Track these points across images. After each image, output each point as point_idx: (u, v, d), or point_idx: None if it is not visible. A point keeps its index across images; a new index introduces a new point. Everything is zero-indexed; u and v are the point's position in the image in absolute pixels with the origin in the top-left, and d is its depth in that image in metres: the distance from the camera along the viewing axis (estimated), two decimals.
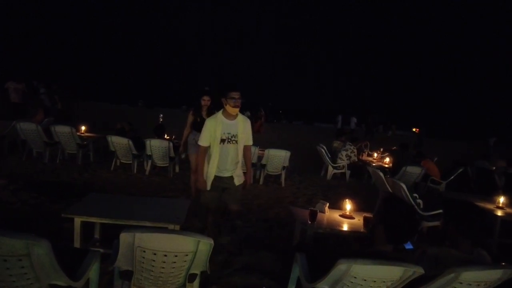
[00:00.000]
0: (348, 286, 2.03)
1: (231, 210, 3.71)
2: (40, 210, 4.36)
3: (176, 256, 2.05)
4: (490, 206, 4.61)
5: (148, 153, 6.68)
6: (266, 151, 6.99)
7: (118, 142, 6.68)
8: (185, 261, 2.11)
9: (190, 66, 46.07)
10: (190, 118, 5.03)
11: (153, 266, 2.07)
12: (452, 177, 7.38)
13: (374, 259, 1.94)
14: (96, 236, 3.47)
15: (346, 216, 3.57)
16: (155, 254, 2.02)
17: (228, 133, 3.37)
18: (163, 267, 2.08)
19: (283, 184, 7.08)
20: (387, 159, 8.36)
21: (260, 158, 7.07)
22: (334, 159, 8.33)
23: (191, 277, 2.25)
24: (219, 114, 3.41)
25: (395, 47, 44.51)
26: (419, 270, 1.95)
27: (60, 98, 13.28)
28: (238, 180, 3.57)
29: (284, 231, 4.43)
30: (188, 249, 2.06)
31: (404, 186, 4.51)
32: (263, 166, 7.06)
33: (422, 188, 7.17)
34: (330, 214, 3.62)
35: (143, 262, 2.06)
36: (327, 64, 48.24)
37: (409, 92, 42.70)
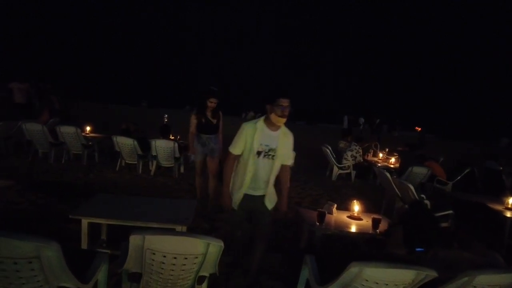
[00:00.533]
0: None
1: (256, 247, 3.04)
2: (47, 210, 4.36)
3: (186, 258, 2.03)
4: (499, 207, 4.48)
5: (154, 153, 6.67)
6: None
7: (123, 143, 6.68)
8: (195, 263, 2.09)
9: (190, 66, 45.95)
10: (194, 121, 4.69)
11: (162, 268, 2.05)
12: (459, 177, 7.31)
13: (387, 262, 1.92)
14: (103, 237, 3.47)
15: (354, 218, 3.54)
16: (164, 256, 2.00)
17: (266, 146, 2.84)
18: (173, 270, 2.05)
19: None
20: (393, 159, 8.32)
21: None
22: (339, 159, 8.30)
23: (200, 279, 2.22)
24: (260, 121, 2.88)
25: (395, 47, 44.27)
26: (432, 273, 1.93)
27: (59, 98, 13.27)
28: (270, 203, 3.01)
29: (290, 232, 4.40)
30: (198, 252, 2.04)
31: (411, 186, 4.47)
32: None
33: (429, 189, 7.10)
34: (338, 216, 3.60)
35: (152, 265, 2.04)
36: (327, 64, 47.99)
37: (409, 92, 42.48)
